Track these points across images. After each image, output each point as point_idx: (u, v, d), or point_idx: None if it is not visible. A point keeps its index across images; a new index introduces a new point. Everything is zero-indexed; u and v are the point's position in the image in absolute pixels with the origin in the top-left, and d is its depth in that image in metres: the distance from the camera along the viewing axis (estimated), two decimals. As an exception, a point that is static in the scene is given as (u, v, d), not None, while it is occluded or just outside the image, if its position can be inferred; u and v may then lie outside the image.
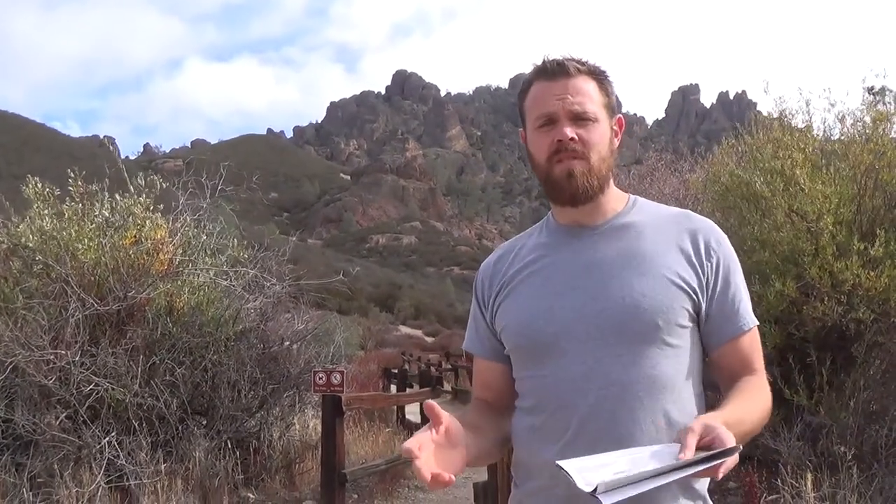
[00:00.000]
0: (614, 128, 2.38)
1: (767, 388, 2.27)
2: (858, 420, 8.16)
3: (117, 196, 10.55)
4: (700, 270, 2.26)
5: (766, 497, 7.86)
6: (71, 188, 10.39)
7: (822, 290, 8.21)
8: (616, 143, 2.38)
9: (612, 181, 2.39)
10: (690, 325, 2.26)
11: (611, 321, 2.21)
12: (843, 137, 9.64)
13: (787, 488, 7.41)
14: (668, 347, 2.21)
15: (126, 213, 10.35)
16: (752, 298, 2.37)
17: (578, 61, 2.36)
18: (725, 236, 2.35)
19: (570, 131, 2.28)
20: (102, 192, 10.49)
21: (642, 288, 2.22)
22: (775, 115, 9.99)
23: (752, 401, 2.19)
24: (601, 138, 2.32)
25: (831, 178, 8.60)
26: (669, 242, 2.30)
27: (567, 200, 2.34)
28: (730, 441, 1.85)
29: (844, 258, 8.17)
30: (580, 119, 2.30)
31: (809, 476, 7.17)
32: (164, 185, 11.16)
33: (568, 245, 2.39)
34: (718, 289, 2.27)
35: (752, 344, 2.32)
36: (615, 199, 2.41)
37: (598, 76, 2.37)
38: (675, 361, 2.22)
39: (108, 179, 10.63)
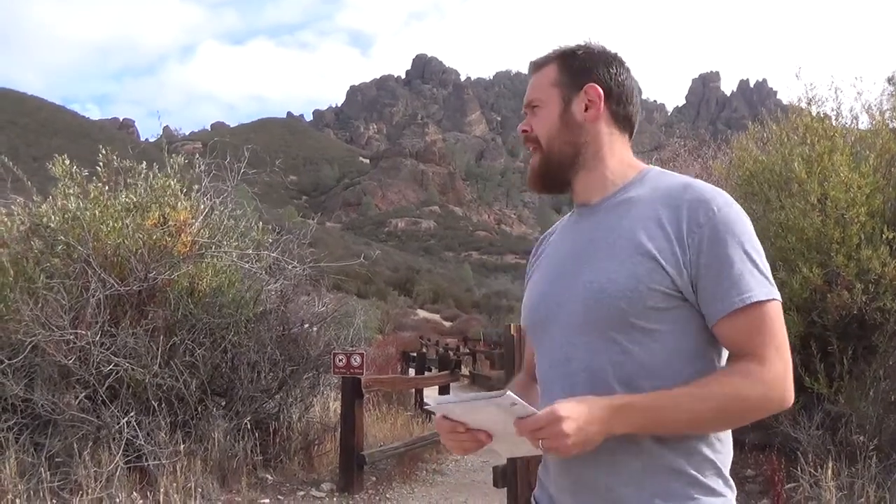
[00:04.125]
0: (583, 99, 2.34)
1: (752, 376, 2.02)
2: (878, 410, 8.14)
3: (151, 174, 10.61)
4: (681, 247, 2.10)
5: (785, 485, 7.85)
6: (99, 167, 10.45)
7: (847, 278, 8.18)
8: (584, 114, 2.33)
9: (605, 153, 2.35)
10: (671, 306, 2.11)
11: (580, 306, 2.20)
12: (871, 126, 9.61)
13: (806, 477, 7.41)
14: (639, 332, 2.12)
15: (160, 193, 10.39)
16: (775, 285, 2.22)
17: (553, 52, 2.43)
18: (728, 206, 2.13)
19: (522, 125, 2.42)
20: (137, 168, 10.55)
21: (609, 271, 2.16)
22: (804, 103, 9.94)
23: (700, 391, 2.02)
24: (546, 118, 2.37)
25: (869, 168, 8.55)
26: (653, 218, 2.17)
27: (538, 191, 2.45)
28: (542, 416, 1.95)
29: (872, 246, 8.14)
30: (531, 109, 2.42)
31: (829, 465, 7.15)
32: (200, 168, 11.18)
33: (573, 226, 2.42)
34: (702, 265, 2.08)
35: (751, 324, 2.06)
36: (618, 172, 2.35)
37: (563, 56, 2.39)
38: (653, 347, 2.12)
39: (133, 159, 10.66)
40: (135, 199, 10.22)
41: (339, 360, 10.61)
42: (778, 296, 2.10)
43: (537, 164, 2.40)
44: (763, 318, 2.07)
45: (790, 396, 2.07)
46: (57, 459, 8.63)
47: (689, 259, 2.09)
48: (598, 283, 2.15)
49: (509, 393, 2.01)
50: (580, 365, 2.18)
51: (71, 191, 10.11)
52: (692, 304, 2.12)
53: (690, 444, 2.11)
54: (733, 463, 2.23)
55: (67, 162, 10.34)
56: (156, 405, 9.17)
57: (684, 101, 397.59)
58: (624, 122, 2.37)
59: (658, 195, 2.22)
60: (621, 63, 2.38)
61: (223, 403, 10.25)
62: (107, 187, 10.31)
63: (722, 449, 2.17)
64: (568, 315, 2.23)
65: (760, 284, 2.07)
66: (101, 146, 10.61)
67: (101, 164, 10.43)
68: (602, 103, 2.33)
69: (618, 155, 2.36)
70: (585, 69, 2.35)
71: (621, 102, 2.36)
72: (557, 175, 2.38)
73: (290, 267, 11.42)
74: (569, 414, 1.95)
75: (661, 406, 2.02)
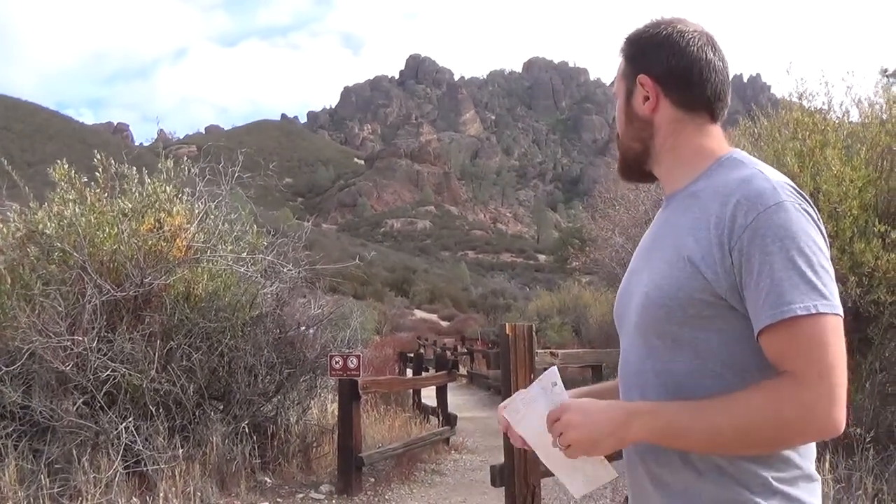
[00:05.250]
0: (641, 91, 2.19)
1: (782, 397, 1.83)
2: (874, 402, 8.15)
3: (147, 179, 10.62)
4: (722, 250, 1.92)
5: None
6: (98, 173, 10.47)
7: (841, 271, 8.20)
8: (644, 108, 2.19)
9: (674, 144, 2.18)
10: (716, 314, 1.96)
11: (635, 309, 2.13)
12: (863, 119, 9.63)
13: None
14: (682, 341, 2.00)
15: (155, 198, 10.40)
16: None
17: (625, 37, 2.28)
18: (778, 205, 1.90)
19: None
20: (132, 173, 10.57)
21: (657, 276, 2.05)
22: (795, 97, 9.96)
23: (723, 405, 1.87)
24: (618, 113, 2.29)
25: (861, 161, 8.57)
26: (705, 218, 2.00)
27: (626, 182, 2.45)
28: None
29: (865, 240, 8.17)
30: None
31: (827, 458, 7.16)
32: (192, 171, 11.19)
33: (658, 216, 2.30)
34: (744, 272, 1.89)
35: (788, 341, 1.85)
36: (691, 163, 2.17)
37: (626, 43, 2.27)
38: (696, 356, 1.98)
39: (127, 164, 10.68)
40: (130, 205, 10.23)
41: (336, 363, 10.62)
42: (831, 309, 1.86)
43: (617, 159, 2.34)
44: (803, 335, 1.84)
45: (836, 423, 1.84)
46: (56, 466, 8.65)
47: (732, 264, 1.92)
48: (648, 288, 2.08)
49: (554, 369, 2.06)
50: (632, 368, 2.14)
51: (70, 196, 10.13)
52: (742, 313, 1.94)
53: (742, 464, 1.95)
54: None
55: (67, 166, 10.35)
56: (154, 410, 9.19)
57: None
58: (694, 105, 2.17)
59: (717, 190, 2.02)
60: (676, 41, 2.16)
61: (221, 407, 10.26)
62: (105, 193, 10.33)
63: (783, 467, 1.96)
64: (630, 315, 2.18)
65: (804, 296, 1.84)
66: (96, 151, 10.62)
67: (99, 169, 10.45)
68: (658, 93, 2.18)
69: (692, 143, 2.18)
70: (639, 56, 2.22)
71: (684, 85, 2.16)
72: (635, 168, 2.30)
73: (285, 270, 11.44)
74: (577, 407, 1.97)
75: (681, 415, 1.90)
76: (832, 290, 1.88)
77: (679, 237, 2.04)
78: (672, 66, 2.15)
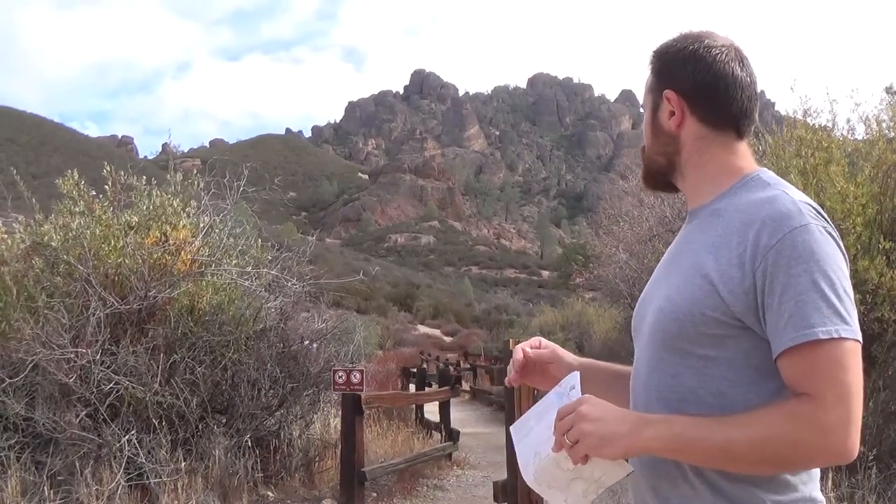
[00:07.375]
0: (668, 106, 2.18)
1: (799, 418, 1.82)
2: (878, 420, 8.13)
3: (154, 192, 10.64)
4: (743, 271, 1.92)
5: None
6: (107, 186, 10.50)
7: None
8: (669, 122, 2.18)
9: (698, 161, 2.17)
10: (728, 334, 1.95)
11: (649, 321, 2.13)
12: (867, 137, 9.64)
13: (806, 488, 7.38)
14: (693, 357, 1.99)
15: (161, 211, 10.42)
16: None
17: (654, 50, 2.26)
18: (804, 227, 1.90)
19: None
20: (140, 186, 10.59)
21: (673, 290, 2.05)
22: (799, 114, 9.97)
23: (738, 420, 1.87)
24: (645, 126, 2.29)
25: (865, 178, 8.57)
26: (726, 236, 1.99)
27: (650, 191, 2.38)
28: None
29: (868, 257, 8.16)
30: None
31: (829, 476, 7.15)
32: (198, 185, 11.21)
33: (682, 229, 2.27)
34: (766, 293, 1.89)
35: (808, 365, 1.84)
36: (715, 180, 2.15)
37: (654, 56, 2.25)
38: (703, 373, 1.98)
39: (134, 177, 10.70)
40: (136, 218, 10.25)
41: (339, 377, 10.62)
42: (852, 335, 1.84)
43: (641, 170, 2.35)
44: (824, 359, 1.83)
45: (850, 449, 1.82)
46: (59, 478, 8.65)
47: (752, 284, 1.91)
48: (662, 302, 2.08)
49: (576, 374, 2.06)
50: (642, 381, 2.14)
51: (78, 208, 10.16)
52: (757, 333, 1.93)
53: (740, 485, 1.94)
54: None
55: (77, 176, 10.38)
56: (156, 423, 9.19)
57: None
58: (720, 122, 2.15)
59: (740, 209, 2.01)
60: (702, 57, 2.13)
61: (224, 421, 10.26)
62: (112, 207, 10.36)
63: (783, 491, 1.95)
64: (644, 327, 2.18)
65: (826, 320, 1.83)
66: (105, 163, 10.68)
67: (108, 182, 10.50)
68: (683, 109, 2.17)
69: (717, 160, 2.16)
70: (665, 71, 2.21)
71: (709, 102, 2.14)
72: (659, 180, 2.31)
73: (289, 284, 11.45)
74: (596, 401, 1.95)
75: (695, 427, 1.88)
76: (853, 315, 1.87)
77: (698, 254, 2.03)
78: (697, 83, 2.13)
